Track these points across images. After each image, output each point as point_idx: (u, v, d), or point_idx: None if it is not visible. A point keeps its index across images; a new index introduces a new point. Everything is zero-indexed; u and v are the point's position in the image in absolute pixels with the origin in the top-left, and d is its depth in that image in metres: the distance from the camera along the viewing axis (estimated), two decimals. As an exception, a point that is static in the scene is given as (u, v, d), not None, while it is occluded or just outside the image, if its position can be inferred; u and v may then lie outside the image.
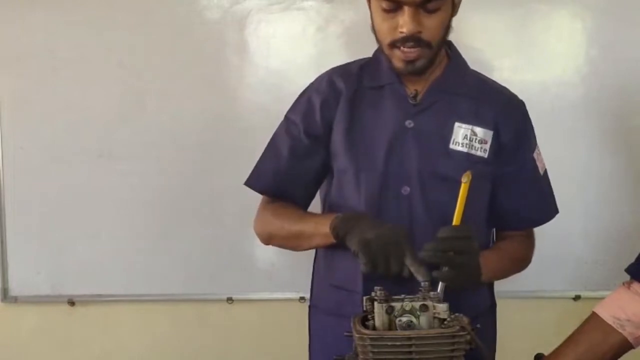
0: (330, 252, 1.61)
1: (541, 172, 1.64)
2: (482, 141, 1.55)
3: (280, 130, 1.67)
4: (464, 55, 1.65)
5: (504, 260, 1.61)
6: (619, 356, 1.40)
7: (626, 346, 1.38)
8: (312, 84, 1.67)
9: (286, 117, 1.67)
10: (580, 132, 2.34)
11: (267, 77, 2.35)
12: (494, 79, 1.68)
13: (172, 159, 2.39)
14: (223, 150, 2.37)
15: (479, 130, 1.55)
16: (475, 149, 1.55)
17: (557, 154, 2.20)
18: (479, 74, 1.66)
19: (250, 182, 1.68)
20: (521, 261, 1.69)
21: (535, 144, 1.64)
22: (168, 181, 2.40)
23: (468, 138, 1.55)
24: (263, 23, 2.36)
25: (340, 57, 1.74)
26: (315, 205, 1.70)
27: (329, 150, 1.61)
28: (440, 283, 1.31)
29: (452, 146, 1.54)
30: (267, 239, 1.68)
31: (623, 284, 1.43)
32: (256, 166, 1.68)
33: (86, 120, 2.38)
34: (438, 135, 1.55)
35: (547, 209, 1.68)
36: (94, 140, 2.39)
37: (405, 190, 1.54)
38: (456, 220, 1.32)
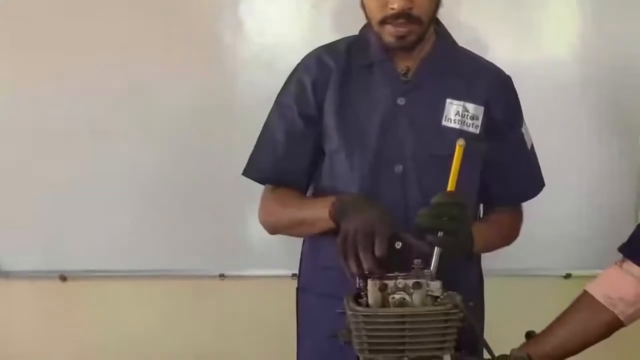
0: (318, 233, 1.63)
1: (529, 146, 1.65)
2: (473, 117, 1.55)
3: (273, 116, 1.65)
4: (459, 34, 1.64)
5: (493, 232, 1.61)
6: (610, 334, 1.41)
7: (617, 324, 1.39)
8: (300, 64, 1.65)
9: (277, 101, 1.65)
10: (574, 112, 2.35)
11: (261, 53, 2.34)
12: (488, 58, 1.67)
13: (166, 136, 2.38)
14: (217, 127, 2.36)
15: (470, 106, 1.55)
16: (467, 125, 1.55)
17: (550, 133, 2.21)
18: (467, 50, 1.66)
19: (249, 173, 1.66)
20: (509, 234, 1.69)
21: (523, 118, 1.65)
22: (162, 158, 2.39)
23: (460, 114, 1.55)
24: (257, 0, 2.34)
25: (334, 34, 1.73)
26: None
27: (321, 130, 1.60)
28: (435, 249, 1.31)
29: (444, 123, 1.54)
30: (272, 229, 1.66)
31: (615, 263, 1.44)
32: (252, 156, 1.66)
33: (80, 97, 2.37)
34: (430, 113, 1.55)
35: (534, 184, 1.69)
36: (88, 116, 2.37)
37: (399, 168, 1.54)
38: (450, 186, 1.32)
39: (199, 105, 2.37)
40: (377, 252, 1.28)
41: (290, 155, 1.60)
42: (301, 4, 2.34)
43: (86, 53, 2.34)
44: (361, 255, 1.30)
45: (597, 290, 1.41)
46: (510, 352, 1.37)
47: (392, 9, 1.45)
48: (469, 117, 1.55)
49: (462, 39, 1.66)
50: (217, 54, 2.38)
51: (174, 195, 2.41)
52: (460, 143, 1.30)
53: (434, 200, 1.33)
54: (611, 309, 1.38)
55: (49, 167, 2.40)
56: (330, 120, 1.57)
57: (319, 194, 1.63)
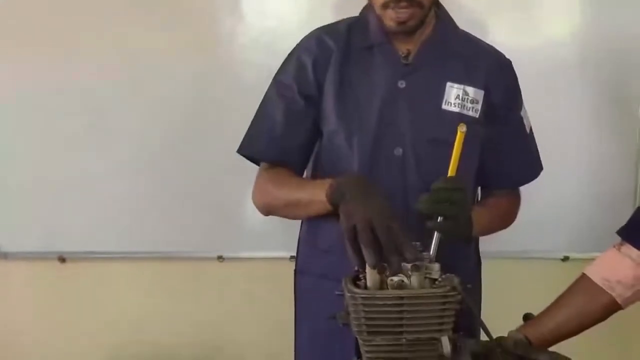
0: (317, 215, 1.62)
1: (528, 130, 1.65)
2: (473, 101, 1.55)
3: (271, 94, 1.62)
4: (459, 16, 1.64)
5: (491, 216, 1.61)
6: (607, 317, 1.41)
7: (615, 307, 1.40)
8: (299, 44, 1.63)
9: (276, 79, 1.63)
10: (573, 94, 2.34)
11: (260, 35, 2.33)
12: (488, 40, 1.67)
13: (164, 117, 2.38)
14: (216, 109, 2.36)
15: (470, 90, 1.55)
16: (467, 109, 1.54)
17: (549, 115, 2.21)
18: (468, 33, 1.65)
19: (244, 150, 1.62)
20: (507, 218, 1.70)
21: (522, 102, 1.64)
22: (160, 140, 2.39)
23: (460, 98, 1.54)
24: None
25: (334, 16, 1.72)
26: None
27: (320, 111, 1.58)
28: (435, 234, 1.31)
29: (444, 107, 1.54)
30: (266, 210, 1.63)
31: (614, 246, 1.44)
32: (248, 133, 1.63)
33: (76, 78, 2.36)
34: (430, 96, 1.54)
35: (533, 168, 1.69)
36: (87, 98, 2.37)
37: (398, 151, 1.54)
38: (451, 171, 1.31)
39: (197, 88, 2.36)
40: (410, 256, 1.21)
41: (288, 134, 1.58)
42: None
43: (79, 30, 2.34)
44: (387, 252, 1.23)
45: (595, 273, 1.41)
46: (508, 333, 1.38)
47: None
48: (468, 100, 1.54)
49: (462, 21, 1.65)
50: (216, 37, 2.37)
51: (172, 178, 2.41)
52: (461, 129, 1.29)
53: (435, 185, 1.33)
54: (609, 291, 1.39)
55: (47, 150, 2.40)
56: (329, 101, 1.56)
57: (316, 176, 1.62)
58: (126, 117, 2.38)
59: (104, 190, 2.41)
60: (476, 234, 1.54)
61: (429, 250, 1.28)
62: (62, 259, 2.49)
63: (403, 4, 1.45)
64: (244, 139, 1.63)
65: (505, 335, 1.37)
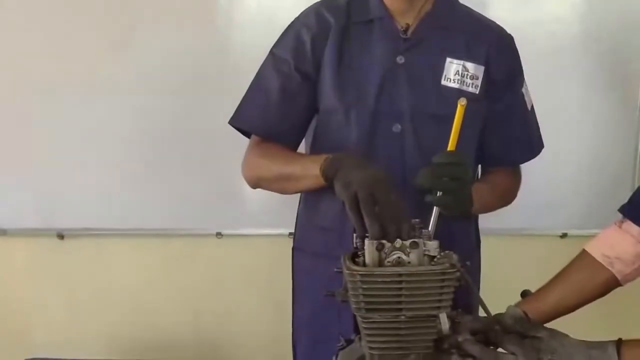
0: (316, 193, 1.60)
1: (529, 107, 1.64)
2: (473, 77, 1.54)
3: (266, 66, 1.61)
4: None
5: (491, 193, 1.61)
6: (606, 293, 1.41)
7: (614, 284, 1.40)
8: (298, 18, 1.62)
9: (273, 53, 1.61)
10: (575, 72, 2.33)
11: (257, 14, 2.32)
12: (490, 15, 1.65)
13: (163, 96, 2.37)
14: (213, 87, 2.35)
15: (470, 65, 1.53)
16: (466, 84, 1.53)
17: (551, 92, 2.20)
18: (468, 8, 1.63)
19: (236, 121, 1.61)
20: (507, 196, 1.69)
21: (524, 79, 1.63)
22: (158, 117, 2.38)
23: (460, 74, 1.53)
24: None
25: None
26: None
27: (316, 88, 1.57)
28: (434, 209, 1.31)
29: (443, 82, 1.53)
30: (255, 182, 1.62)
31: (614, 223, 1.44)
32: (241, 105, 1.62)
33: (75, 55, 2.35)
34: (429, 72, 1.53)
35: (534, 145, 1.68)
36: (84, 75, 2.36)
37: (397, 128, 1.53)
38: (451, 145, 1.31)
39: (194, 64, 2.35)
40: (405, 235, 1.20)
41: (282, 108, 1.57)
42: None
43: (78, 8, 2.33)
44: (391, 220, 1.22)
45: (595, 250, 1.41)
46: (507, 308, 1.38)
47: None
48: (468, 76, 1.53)
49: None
50: (212, 14, 2.35)
51: (171, 154, 2.40)
52: (462, 103, 1.29)
53: (434, 159, 1.33)
54: (609, 267, 1.39)
55: (45, 127, 2.39)
56: (327, 77, 1.55)
57: (317, 151, 1.60)
58: (125, 93, 2.37)
59: (102, 167, 2.41)
60: (476, 210, 1.54)
61: (428, 226, 1.28)
62: (61, 236, 2.49)
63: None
64: (237, 109, 1.62)
65: (504, 311, 1.38)
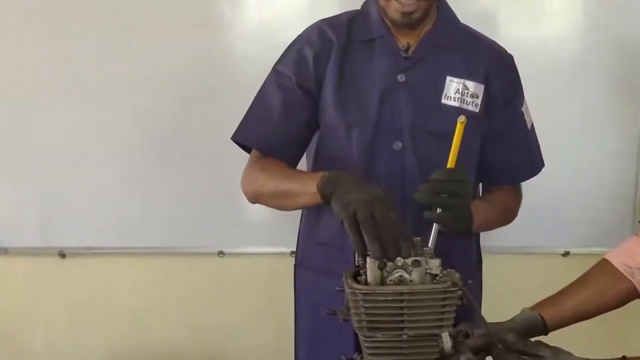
0: (316, 209, 1.60)
1: (529, 126, 1.64)
2: (473, 95, 1.54)
3: (269, 83, 1.62)
4: (463, 9, 1.63)
5: (492, 210, 1.61)
6: (624, 304, 1.40)
7: (633, 294, 1.39)
8: (301, 35, 1.63)
9: (275, 70, 1.62)
10: (577, 88, 2.34)
11: (258, 27, 2.33)
12: (492, 33, 1.66)
13: (164, 112, 2.37)
14: (216, 102, 2.35)
15: (470, 84, 1.54)
16: (467, 103, 1.54)
17: (552, 109, 2.21)
18: (469, 27, 1.64)
19: (238, 137, 1.62)
20: (507, 214, 1.69)
21: (523, 97, 1.63)
22: (160, 134, 2.38)
23: (460, 92, 1.54)
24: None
25: (333, 8, 1.72)
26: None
27: (318, 104, 1.58)
28: (434, 225, 1.31)
29: (444, 101, 1.53)
30: (254, 198, 1.62)
31: (636, 233, 1.44)
32: (244, 121, 1.63)
33: (81, 69, 2.36)
34: (430, 90, 1.54)
35: (534, 164, 1.67)
36: (88, 91, 2.37)
37: (397, 145, 1.53)
38: (451, 162, 1.31)
39: (196, 80, 2.36)
40: (405, 254, 1.20)
41: (284, 123, 1.57)
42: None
43: (80, 19, 2.34)
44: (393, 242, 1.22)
45: (616, 259, 1.41)
46: (522, 311, 1.37)
47: None
48: (468, 95, 1.54)
49: (465, 14, 1.65)
50: (215, 27, 2.36)
51: (173, 173, 2.40)
52: (461, 120, 1.29)
53: (434, 176, 1.33)
54: (630, 277, 1.38)
55: (47, 145, 2.39)
56: (329, 94, 1.56)
57: (318, 167, 1.60)
58: (125, 108, 2.37)
59: (103, 185, 2.41)
60: (476, 228, 1.54)
61: (428, 242, 1.29)
62: (63, 255, 2.49)
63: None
64: (239, 126, 1.63)
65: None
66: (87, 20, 2.33)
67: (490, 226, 1.64)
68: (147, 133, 2.38)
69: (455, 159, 1.31)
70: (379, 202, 1.25)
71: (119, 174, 2.41)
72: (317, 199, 1.41)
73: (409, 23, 1.51)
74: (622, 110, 2.36)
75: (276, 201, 1.59)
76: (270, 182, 1.57)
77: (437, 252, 1.25)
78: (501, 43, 1.64)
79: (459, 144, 1.31)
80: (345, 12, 1.64)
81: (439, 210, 1.33)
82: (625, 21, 2.31)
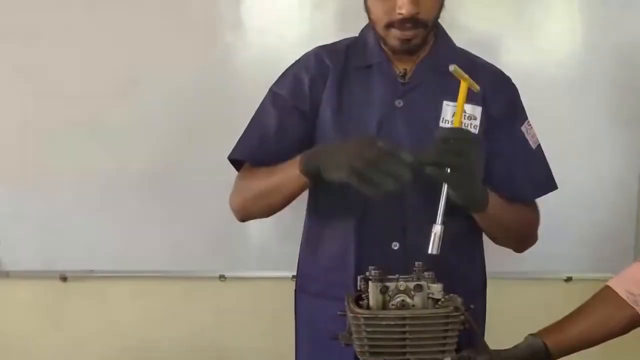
0: (318, 232, 1.62)
1: (533, 146, 1.62)
2: (471, 117, 1.54)
3: (265, 103, 1.64)
4: (464, 35, 1.64)
5: (510, 208, 1.55)
6: (628, 331, 1.40)
7: (637, 321, 1.38)
8: (298, 60, 1.65)
9: (272, 90, 1.64)
10: (577, 115, 2.34)
11: (262, 54, 2.34)
12: (492, 59, 1.67)
13: (164, 135, 2.38)
14: (216, 126, 2.36)
15: (467, 106, 1.52)
16: (464, 125, 1.52)
17: (553, 136, 2.21)
18: (467, 52, 1.65)
19: (234, 155, 1.63)
20: (526, 222, 1.64)
21: (525, 117, 1.63)
22: (161, 158, 2.39)
23: None
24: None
25: (336, 35, 1.72)
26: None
27: (314, 129, 1.59)
28: (443, 189, 1.28)
29: (441, 124, 1.53)
30: (241, 208, 1.63)
31: (638, 260, 1.43)
32: (240, 140, 1.64)
33: (78, 94, 2.37)
34: (428, 114, 1.54)
35: (539, 184, 1.65)
36: (85, 114, 2.37)
37: None
38: (456, 122, 1.30)
39: (198, 104, 2.37)
40: (407, 157, 1.27)
41: (278, 142, 1.58)
42: (303, 4, 2.34)
43: (83, 47, 2.35)
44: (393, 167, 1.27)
45: (619, 286, 1.40)
46: (525, 338, 1.37)
47: (400, 13, 1.45)
48: (466, 117, 1.53)
49: (466, 39, 1.66)
50: (218, 54, 2.38)
51: (173, 196, 2.40)
52: (451, 68, 1.28)
53: (437, 134, 1.31)
54: (632, 305, 1.38)
55: (48, 167, 2.40)
56: (327, 119, 1.57)
57: (314, 190, 1.61)
58: (125, 133, 2.38)
59: (105, 209, 2.41)
60: (493, 211, 1.48)
61: (437, 212, 1.27)
62: (64, 278, 2.48)
63: (408, 24, 1.46)
64: (235, 145, 1.64)
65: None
66: (88, 58, 2.36)
67: (508, 225, 1.57)
68: (149, 158, 2.39)
69: (460, 118, 1.31)
70: (365, 144, 1.30)
71: (119, 197, 2.41)
72: (303, 180, 1.44)
73: (408, 50, 1.52)
74: (624, 136, 2.36)
75: (263, 201, 1.58)
76: (254, 185, 1.58)
77: (441, 276, 1.25)
78: (502, 67, 1.65)
79: (463, 101, 1.30)
80: (343, 39, 1.66)
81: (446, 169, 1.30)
82: (625, 45, 2.32)
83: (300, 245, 1.72)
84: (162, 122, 2.37)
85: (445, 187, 1.29)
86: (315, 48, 1.65)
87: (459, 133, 1.32)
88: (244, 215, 1.65)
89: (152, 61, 2.36)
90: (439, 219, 1.26)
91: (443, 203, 1.28)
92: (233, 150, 1.64)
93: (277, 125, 1.58)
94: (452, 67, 1.28)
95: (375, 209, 1.53)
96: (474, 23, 2.26)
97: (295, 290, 1.74)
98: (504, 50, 2.32)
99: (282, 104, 1.60)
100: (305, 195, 1.63)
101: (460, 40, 1.65)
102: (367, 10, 1.53)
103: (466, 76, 1.31)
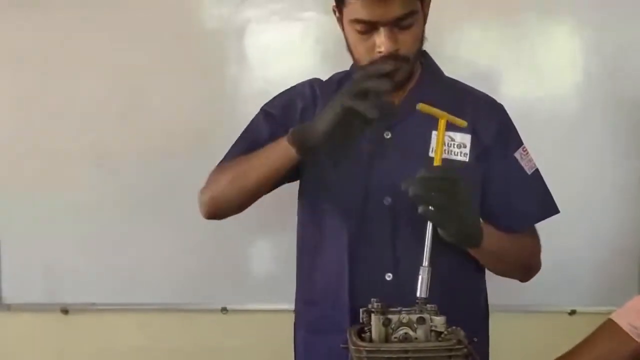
0: (308, 266, 1.63)
1: (529, 171, 1.62)
2: (460, 145, 1.55)
3: (256, 120, 1.68)
4: (464, 69, 1.65)
5: (507, 238, 1.55)
6: None
7: None
8: (294, 87, 1.69)
9: (263, 110, 1.68)
10: (578, 147, 2.35)
11: (265, 87, 2.34)
12: (492, 91, 1.68)
13: (167, 168, 2.39)
14: (219, 159, 2.36)
15: (456, 135, 1.55)
16: (454, 154, 1.55)
17: (553, 167, 2.21)
18: (456, 80, 1.67)
19: (223, 162, 1.66)
20: (527, 252, 1.64)
21: (520, 143, 1.63)
22: (163, 190, 2.39)
23: (446, 144, 1.53)
24: (262, 33, 2.37)
25: (338, 69, 1.75)
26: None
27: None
28: (428, 228, 1.29)
29: (431, 154, 1.53)
30: (210, 201, 1.63)
31: None
32: (230, 148, 1.68)
33: (81, 127, 2.39)
34: (417, 145, 1.55)
35: (537, 209, 1.64)
36: (88, 147, 2.39)
37: (387, 200, 1.55)
38: (436, 160, 1.30)
39: (199, 137, 2.37)
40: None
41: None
42: (306, 38, 2.36)
43: (87, 79, 2.38)
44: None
45: (622, 320, 1.39)
46: None
47: (380, 52, 1.47)
48: (455, 145, 1.55)
49: (466, 73, 1.67)
50: (220, 88, 2.39)
51: (175, 229, 2.40)
52: (417, 107, 1.29)
53: (418, 175, 1.30)
54: (636, 338, 1.36)
55: (50, 199, 2.41)
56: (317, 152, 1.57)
57: (302, 218, 1.64)
58: (127, 166, 2.40)
59: (106, 242, 2.41)
60: (488, 245, 1.47)
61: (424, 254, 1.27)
62: (65, 311, 2.47)
63: (390, 62, 1.46)
64: (225, 154, 1.69)
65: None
66: (95, 81, 2.38)
67: (507, 257, 1.57)
68: (151, 190, 2.39)
69: (440, 155, 1.30)
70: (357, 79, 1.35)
71: (121, 230, 2.41)
72: (290, 153, 1.44)
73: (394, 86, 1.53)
74: (625, 169, 2.36)
75: (237, 183, 1.57)
76: (227, 171, 1.59)
77: (444, 305, 1.24)
78: (501, 101, 1.66)
79: (442, 139, 1.30)
80: (336, 73, 1.70)
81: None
82: (623, 82, 2.34)
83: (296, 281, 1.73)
84: (165, 154, 2.38)
85: (429, 227, 1.29)
86: (312, 79, 1.69)
87: (438, 172, 1.31)
88: (212, 206, 1.64)
89: (156, 93, 2.38)
90: (426, 261, 1.26)
91: (429, 243, 1.28)
92: (222, 159, 1.67)
93: (268, 136, 1.60)
94: (418, 106, 1.29)
95: (367, 240, 1.54)
96: (474, 57, 2.28)
97: (294, 324, 1.73)
98: (504, 83, 2.33)
99: (273, 121, 1.64)
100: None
101: (461, 74, 1.66)
102: (350, 51, 1.56)
103: (439, 112, 1.31)
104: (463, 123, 1.36)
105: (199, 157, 2.36)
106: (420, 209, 1.29)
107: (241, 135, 1.69)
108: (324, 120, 1.39)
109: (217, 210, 1.64)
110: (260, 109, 1.69)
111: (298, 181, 1.68)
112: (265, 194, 1.59)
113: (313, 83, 1.67)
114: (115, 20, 2.37)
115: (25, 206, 2.42)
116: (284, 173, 1.54)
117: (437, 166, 1.31)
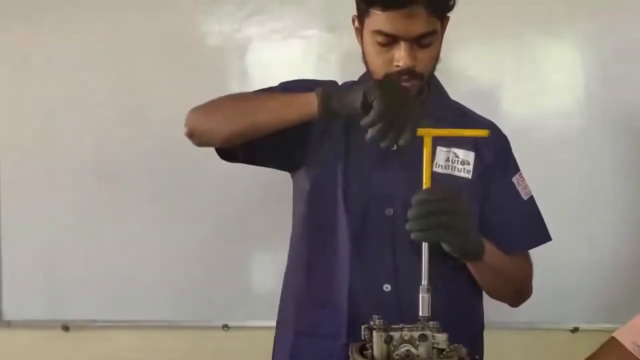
0: (308, 272, 1.63)
1: (524, 197, 1.63)
2: (464, 162, 1.57)
3: (273, 88, 1.65)
4: (464, 87, 1.66)
5: (505, 257, 1.55)
6: None
7: None
8: (314, 79, 1.69)
9: (282, 84, 1.65)
10: (579, 165, 2.35)
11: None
12: (493, 110, 1.69)
13: (168, 185, 2.40)
14: (220, 175, 2.37)
15: (460, 151, 1.57)
16: (457, 170, 1.56)
17: (555, 185, 2.21)
18: (460, 104, 1.69)
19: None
20: (522, 274, 1.64)
21: (517, 170, 1.64)
22: (164, 206, 2.40)
23: (450, 160, 1.56)
24: (264, 51, 2.37)
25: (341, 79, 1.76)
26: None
27: (308, 144, 1.60)
28: (424, 250, 1.30)
29: (435, 169, 1.54)
30: (204, 126, 1.61)
31: None
32: None
33: (82, 143, 2.40)
34: (421, 159, 1.54)
35: (531, 235, 1.65)
36: (90, 164, 2.40)
37: (389, 212, 1.55)
38: (425, 183, 1.32)
39: (202, 155, 2.37)
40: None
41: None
42: (308, 56, 2.37)
43: (88, 96, 2.39)
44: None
45: (624, 337, 1.38)
46: None
47: (398, 66, 1.48)
48: (458, 162, 1.56)
49: (466, 91, 1.67)
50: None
51: (177, 245, 2.40)
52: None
53: (412, 202, 1.32)
54: (639, 357, 1.36)
55: (51, 216, 2.41)
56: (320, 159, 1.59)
57: (302, 225, 1.63)
58: (129, 183, 2.40)
59: (107, 259, 2.41)
60: (489, 259, 1.49)
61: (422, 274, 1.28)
62: (66, 328, 2.47)
63: (405, 76, 1.48)
64: None
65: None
66: (96, 98, 2.39)
67: (504, 274, 1.57)
68: (151, 206, 2.40)
69: (429, 179, 1.32)
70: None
71: (121, 246, 2.41)
72: (311, 109, 1.43)
73: None
74: (628, 186, 2.36)
75: (240, 114, 1.54)
76: (237, 100, 1.58)
77: (445, 325, 1.24)
78: (502, 117, 1.67)
79: (430, 159, 1.32)
80: (344, 83, 1.69)
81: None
82: (625, 99, 2.34)
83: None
84: (166, 170, 2.39)
85: (425, 248, 1.30)
86: (330, 80, 1.68)
87: (432, 194, 1.33)
88: (199, 124, 1.63)
89: (157, 110, 2.38)
90: (425, 280, 1.27)
91: (426, 264, 1.29)
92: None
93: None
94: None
95: (367, 250, 1.54)
96: (477, 75, 2.29)
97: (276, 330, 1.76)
98: (504, 100, 2.34)
99: (290, 88, 1.60)
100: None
101: (462, 92, 1.67)
102: (366, 62, 1.57)
103: (452, 130, 1.36)
104: (485, 132, 1.38)
105: (200, 174, 2.38)
106: (412, 236, 1.31)
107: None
108: (353, 99, 1.38)
109: (202, 133, 1.63)
110: (279, 84, 1.66)
111: (293, 187, 1.69)
112: (254, 138, 1.54)
113: (332, 82, 1.66)
114: (118, 38, 2.39)
115: (25, 223, 2.43)
116: (290, 130, 1.50)
117: (427, 188, 1.33)
